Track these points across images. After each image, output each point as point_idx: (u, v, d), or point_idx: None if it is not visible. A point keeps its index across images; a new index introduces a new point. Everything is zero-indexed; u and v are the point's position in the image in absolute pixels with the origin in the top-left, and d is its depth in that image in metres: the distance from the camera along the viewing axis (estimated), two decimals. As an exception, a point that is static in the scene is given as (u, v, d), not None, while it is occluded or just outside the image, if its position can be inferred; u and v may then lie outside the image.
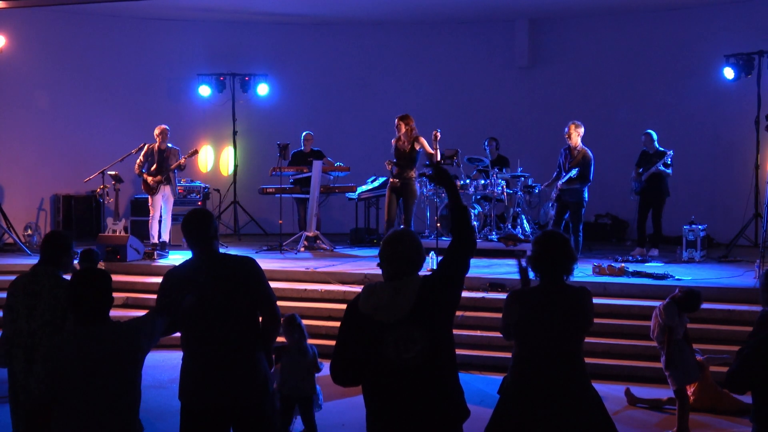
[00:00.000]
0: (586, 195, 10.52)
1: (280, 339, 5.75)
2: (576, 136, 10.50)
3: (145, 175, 11.47)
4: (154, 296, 10.18)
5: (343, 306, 9.57)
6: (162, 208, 11.54)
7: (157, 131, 11.48)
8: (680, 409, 6.08)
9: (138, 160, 11.51)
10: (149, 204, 11.67)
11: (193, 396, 4.16)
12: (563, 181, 10.42)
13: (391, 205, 10.50)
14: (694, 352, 6.37)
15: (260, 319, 4.31)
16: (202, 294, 4.13)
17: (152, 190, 11.46)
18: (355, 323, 3.59)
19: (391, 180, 10.59)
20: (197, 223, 4.28)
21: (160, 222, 11.58)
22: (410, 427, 3.51)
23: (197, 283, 4.16)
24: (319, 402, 6.16)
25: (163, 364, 8.27)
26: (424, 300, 3.53)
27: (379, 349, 3.50)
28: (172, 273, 4.35)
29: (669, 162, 11.02)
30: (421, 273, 3.69)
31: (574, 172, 10.27)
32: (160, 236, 11.54)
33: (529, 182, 11.65)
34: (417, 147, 10.26)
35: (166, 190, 11.48)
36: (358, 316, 3.58)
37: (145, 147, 11.51)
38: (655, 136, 11.24)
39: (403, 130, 10.20)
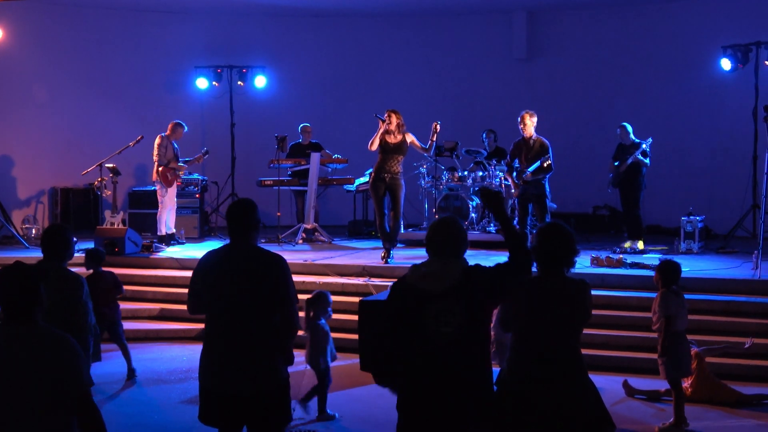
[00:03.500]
0: (548, 186, 10.05)
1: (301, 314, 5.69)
2: (531, 125, 10.04)
3: (167, 168, 11.31)
4: (152, 289, 10.22)
5: (342, 298, 9.57)
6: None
7: (172, 126, 11.47)
8: (675, 399, 6.09)
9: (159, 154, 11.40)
10: (163, 196, 11.38)
11: (209, 379, 4.31)
12: (531, 170, 9.80)
13: (381, 198, 10.32)
14: (691, 346, 6.38)
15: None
16: (231, 283, 4.24)
17: (171, 183, 11.45)
18: (400, 295, 3.74)
19: (373, 173, 10.27)
20: (239, 212, 4.36)
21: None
22: (438, 408, 3.60)
23: (228, 271, 4.27)
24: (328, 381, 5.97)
25: (161, 357, 8.30)
26: (469, 280, 3.64)
27: (419, 321, 3.61)
28: (207, 257, 4.45)
29: (647, 151, 10.75)
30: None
31: (547, 162, 9.74)
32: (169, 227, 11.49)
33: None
34: (408, 141, 10.20)
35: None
36: (403, 287, 3.73)
37: (164, 140, 11.38)
38: (630, 129, 11.01)
39: (396, 122, 10.14)
